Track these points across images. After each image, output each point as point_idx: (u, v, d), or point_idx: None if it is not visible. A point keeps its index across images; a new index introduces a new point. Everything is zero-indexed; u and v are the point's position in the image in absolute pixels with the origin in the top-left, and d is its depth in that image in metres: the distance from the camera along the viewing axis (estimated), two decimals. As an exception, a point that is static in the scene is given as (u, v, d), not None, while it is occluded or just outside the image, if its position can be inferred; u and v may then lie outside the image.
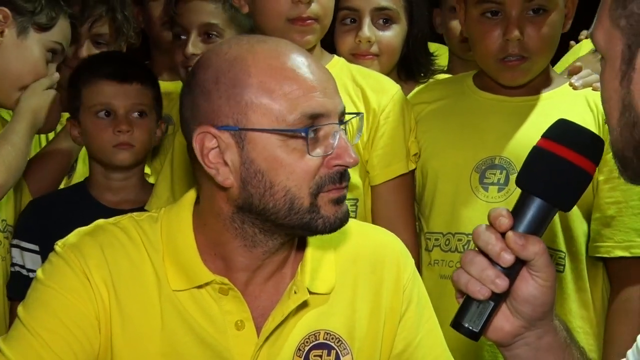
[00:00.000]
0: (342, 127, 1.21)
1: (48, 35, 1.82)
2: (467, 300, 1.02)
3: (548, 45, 1.76)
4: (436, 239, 1.80)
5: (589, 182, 1.02)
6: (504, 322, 1.04)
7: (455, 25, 2.25)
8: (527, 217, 1.01)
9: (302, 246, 1.29)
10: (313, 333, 1.26)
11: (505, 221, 1.00)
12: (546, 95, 1.80)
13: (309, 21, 1.69)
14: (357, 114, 1.28)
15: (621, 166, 0.96)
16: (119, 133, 1.92)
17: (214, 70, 1.20)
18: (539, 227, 1.01)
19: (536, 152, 1.03)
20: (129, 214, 1.32)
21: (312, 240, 1.28)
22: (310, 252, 1.28)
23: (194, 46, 2.05)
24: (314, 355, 1.26)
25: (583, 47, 2.23)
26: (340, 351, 1.27)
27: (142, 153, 1.98)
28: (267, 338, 1.24)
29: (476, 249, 1.02)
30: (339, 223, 1.21)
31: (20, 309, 1.24)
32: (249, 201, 1.20)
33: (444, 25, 2.35)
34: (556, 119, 1.79)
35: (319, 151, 1.18)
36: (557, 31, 1.77)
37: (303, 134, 1.16)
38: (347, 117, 1.23)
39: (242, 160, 1.18)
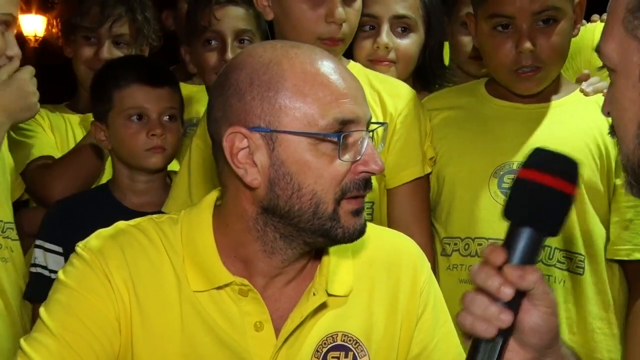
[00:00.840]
0: (370, 134, 1.22)
1: None
2: (476, 341, 1.02)
3: (560, 54, 1.78)
4: (455, 244, 1.82)
5: (571, 204, 1.03)
6: (515, 356, 1.04)
7: (466, 41, 2.24)
8: (519, 248, 1.01)
9: (320, 251, 1.29)
10: (331, 335, 1.27)
11: (499, 256, 1.00)
12: (558, 102, 1.83)
13: (339, 42, 1.72)
14: (382, 123, 1.30)
15: (634, 180, 0.97)
16: (153, 137, 1.94)
17: (248, 71, 1.21)
18: (532, 256, 1.02)
19: (516, 183, 1.04)
20: (149, 216, 1.33)
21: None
22: (328, 256, 1.29)
23: (233, 52, 2.09)
24: (332, 357, 1.26)
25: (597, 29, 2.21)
26: (358, 353, 1.27)
27: (172, 156, 2.00)
28: (286, 339, 1.24)
29: (474, 289, 1.02)
30: (357, 234, 1.22)
31: (42, 310, 1.24)
32: (274, 202, 1.20)
33: (452, 38, 2.33)
34: (567, 126, 1.80)
35: (347, 157, 1.19)
36: (568, 38, 1.79)
37: (335, 139, 1.17)
38: (372, 126, 1.24)
39: (272, 162, 1.19)
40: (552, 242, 1.75)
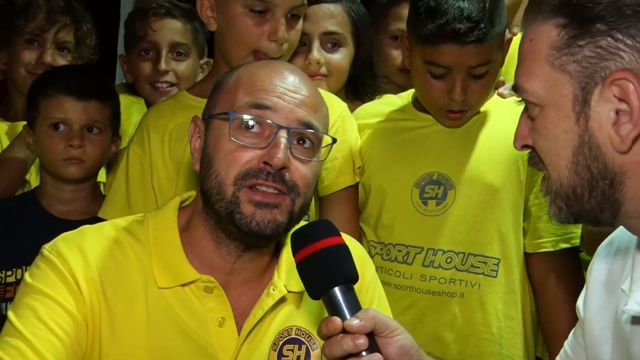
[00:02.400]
0: (290, 135, 1.28)
1: None
2: None
3: (487, 96, 1.88)
4: (380, 249, 1.92)
5: (347, 249, 1.19)
6: None
7: (396, 54, 2.31)
8: (342, 306, 1.15)
9: (277, 254, 1.38)
10: (286, 329, 1.36)
11: (335, 323, 1.13)
12: (480, 111, 1.91)
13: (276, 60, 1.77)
14: (333, 141, 1.38)
15: (565, 205, 1.07)
16: (70, 148, 1.95)
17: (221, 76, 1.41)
18: (355, 303, 1.16)
19: (299, 268, 1.19)
20: (112, 220, 1.38)
21: (287, 245, 1.36)
22: (284, 256, 1.37)
23: (167, 63, 2.14)
24: (287, 350, 1.35)
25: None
26: (310, 346, 1.37)
27: (92, 168, 2.01)
28: (248, 334, 1.32)
29: None
30: (257, 227, 1.27)
31: (10, 313, 1.27)
32: (202, 185, 1.32)
33: (381, 51, 2.36)
34: (485, 134, 1.91)
35: (242, 139, 1.27)
36: (495, 80, 1.88)
37: (227, 117, 1.28)
38: (326, 140, 1.34)
39: (204, 146, 1.34)
40: (467, 248, 1.85)
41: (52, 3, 2.29)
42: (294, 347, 1.36)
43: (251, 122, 1.28)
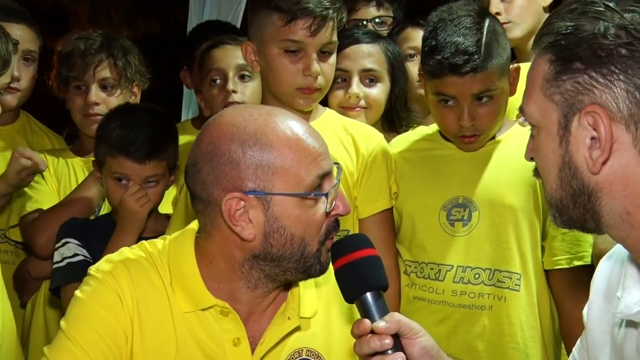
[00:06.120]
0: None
1: None
2: None
3: (497, 119, 2.01)
4: (414, 267, 2.08)
5: (379, 260, 1.32)
6: None
7: (410, 67, 2.46)
8: (372, 310, 1.28)
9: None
10: (297, 350, 1.48)
11: (364, 325, 1.27)
12: (500, 139, 2.06)
13: (316, 93, 1.97)
14: (336, 164, 1.48)
15: (557, 213, 1.20)
16: None
17: (238, 142, 1.37)
18: (384, 308, 1.28)
19: (337, 275, 1.34)
20: (142, 242, 1.52)
21: None
22: (297, 282, 1.49)
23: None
24: None
25: None
26: None
27: (155, 206, 2.22)
28: (262, 357, 1.44)
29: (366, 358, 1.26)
30: (327, 267, 1.42)
31: (62, 323, 1.42)
32: (267, 250, 1.39)
33: None
34: (506, 160, 2.02)
35: (328, 206, 1.39)
36: (505, 104, 1.99)
37: (322, 197, 1.38)
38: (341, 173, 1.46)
39: (267, 219, 1.37)
40: (493, 264, 2.00)
41: (87, 45, 2.41)
42: None
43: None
